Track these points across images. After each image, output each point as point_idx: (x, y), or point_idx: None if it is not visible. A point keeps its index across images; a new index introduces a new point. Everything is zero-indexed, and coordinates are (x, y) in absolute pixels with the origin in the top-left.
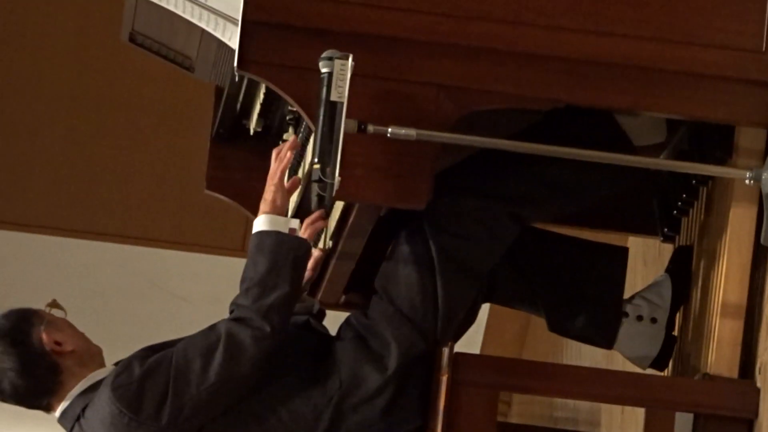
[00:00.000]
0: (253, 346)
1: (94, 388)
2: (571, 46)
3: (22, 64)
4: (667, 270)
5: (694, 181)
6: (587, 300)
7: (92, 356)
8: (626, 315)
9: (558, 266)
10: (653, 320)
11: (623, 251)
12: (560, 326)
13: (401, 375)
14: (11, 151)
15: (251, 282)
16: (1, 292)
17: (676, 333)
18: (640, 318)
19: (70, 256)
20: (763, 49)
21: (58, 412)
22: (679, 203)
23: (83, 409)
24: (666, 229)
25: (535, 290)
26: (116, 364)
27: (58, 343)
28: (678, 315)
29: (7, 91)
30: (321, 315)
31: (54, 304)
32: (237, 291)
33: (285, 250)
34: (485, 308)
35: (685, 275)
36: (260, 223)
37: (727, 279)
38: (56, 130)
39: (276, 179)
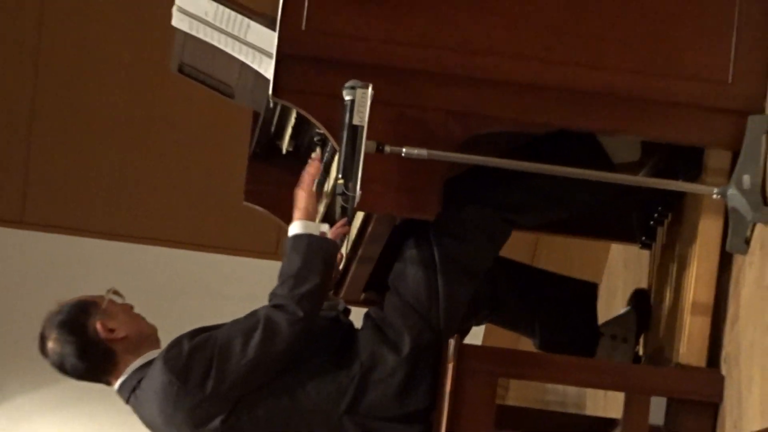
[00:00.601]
0: (288, 328)
1: (148, 365)
2: (562, 77)
3: (87, 88)
4: (631, 304)
5: (668, 196)
6: (572, 326)
7: (146, 337)
8: (602, 335)
9: (552, 299)
10: (624, 340)
11: (595, 286)
12: (549, 345)
13: (413, 359)
14: (76, 165)
15: (287, 276)
16: (63, 292)
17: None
18: (614, 337)
19: (126, 258)
20: (729, 80)
21: (116, 386)
22: (656, 215)
23: (139, 381)
24: (644, 237)
25: (532, 317)
26: None
27: (111, 330)
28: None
29: (72, 112)
30: (347, 312)
31: (114, 292)
32: (271, 283)
33: (316, 249)
34: None
35: (645, 311)
36: (295, 228)
37: (697, 281)
38: (116, 147)
39: (309, 191)
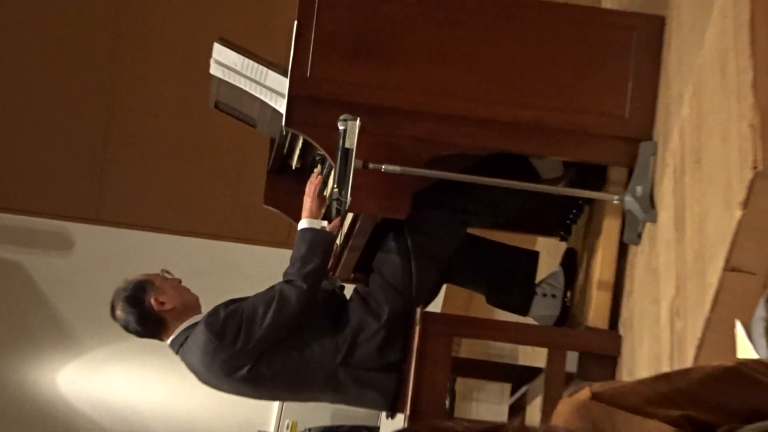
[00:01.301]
0: (296, 298)
1: (193, 326)
2: (501, 113)
3: (155, 113)
4: (561, 264)
5: (580, 201)
6: (513, 284)
7: (190, 306)
8: (535, 294)
9: (495, 263)
10: (553, 296)
11: (535, 254)
12: (494, 301)
13: (390, 324)
14: (142, 173)
15: (296, 258)
16: (128, 272)
17: (568, 303)
18: (545, 295)
19: (175, 247)
20: (626, 116)
21: (168, 341)
22: (571, 216)
23: (186, 339)
24: (562, 233)
25: (480, 277)
26: None
27: (162, 303)
28: (569, 292)
29: (141, 134)
30: (341, 288)
31: (165, 271)
32: (282, 267)
33: (318, 239)
34: (444, 286)
35: (572, 268)
36: (303, 224)
37: (602, 264)
38: (171, 159)
39: (312, 196)
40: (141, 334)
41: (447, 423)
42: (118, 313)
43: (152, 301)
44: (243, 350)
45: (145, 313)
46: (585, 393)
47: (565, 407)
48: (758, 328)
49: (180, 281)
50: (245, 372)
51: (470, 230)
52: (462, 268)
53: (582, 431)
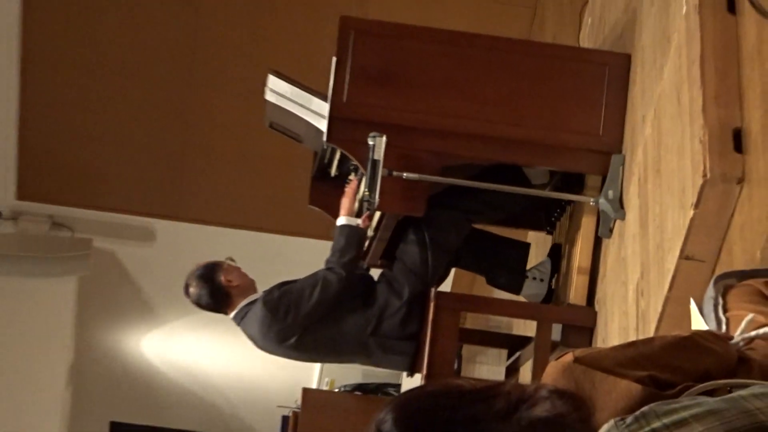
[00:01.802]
0: (336, 282)
1: (252, 303)
2: (499, 131)
3: (224, 134)
4: (549, 255)
5: (563, 203)
6: (509, 269)
7: (250, 286)
8: (527, 277)
9: (494, 251)
10: (541, 280)
11: (527, 245)
12: (493, 282)
13: (410, 303)
14: (215, 177)
15: (335, 249)
16: (199, 259)
17: (553, 287)
18: (534, 278)
19: (237, 238)
20: (600, 133)
21: (231, 315)
22: (556, 214)
23: (246, 313)
24: (549, 228)
25: (482, 263)
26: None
27: (229, 281)
28: (554, 278)
29: (215, 149)
30: (368, 270)
31: (230, 258)
32: (325, 255)
33: (354, 233)
34: (453, 271)
35: (557, 259)
36: (341, 221)
37: (581, 254)
38: (237, 169)
39: (349, 198)
40: (210, 307)
41: (456, 381)
42: (192, 289)
43: (222, 278)
44: (293, 323)
45: (216, 287)
46: (568, 357)
47: (551, 369)
48: (708, 306)
49: (240, 269)
50: (294, 341)
51: (474, 225)
52: (468, 255)
53: (566, 388)
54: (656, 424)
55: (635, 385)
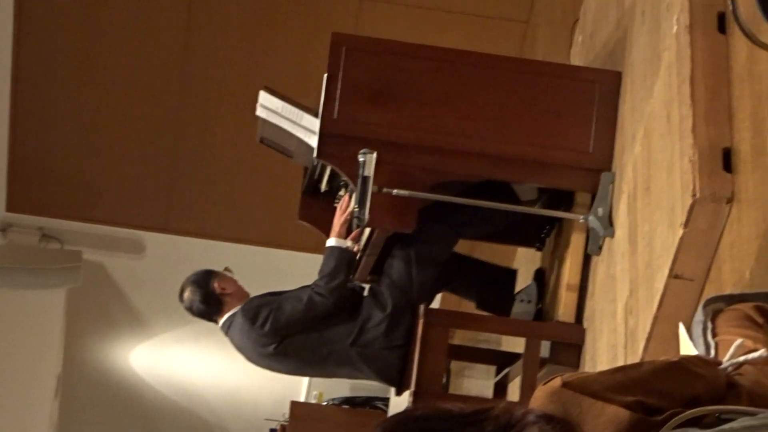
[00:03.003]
0: (321, 306)
1: (237, 312)
2: (489, 148)
3: (215, 150)
4: (534, 279)
5: (553, 219)
6: (497, 294)
7: (242, 296)
8: (515, 299)
9: (484, 279)
10: (529, 302)
11: (515, 271)
12: (482, 306)
13: (393, 315)
14: (205, 191)
15: (325, 273)
16: (189, 271)
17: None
18: (522, 300)
19: (228, 251)
20: (590, 151)
21: (219, 324)
22: (545, 231)
23: (232, 322)
24: (538, 245)
25: (472, 290)
26: None
27: (223, 288)
28: (540, 300)
29: (205, 162)
30: (361, 288)
31: (226, 268)
32: (314, 269)
33: (344, 256)
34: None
35: (542, 283)
36: (331, 242)
37: (570, 270)
38: (230, 181)
39: (339, 219)
40: (202, 314)
41: (445, 405)
42: (186, 294)
43: (216, 284)
44: (269, 332)
45: (209, 293)
46: (557, 381)
47: (540, 393)
48: (697, 330)
49: (236, 281)
50: (272, 349)
51: (465, 250)
52: (457, 281)
53: (554, 413)
54: None
55: (623, 410)
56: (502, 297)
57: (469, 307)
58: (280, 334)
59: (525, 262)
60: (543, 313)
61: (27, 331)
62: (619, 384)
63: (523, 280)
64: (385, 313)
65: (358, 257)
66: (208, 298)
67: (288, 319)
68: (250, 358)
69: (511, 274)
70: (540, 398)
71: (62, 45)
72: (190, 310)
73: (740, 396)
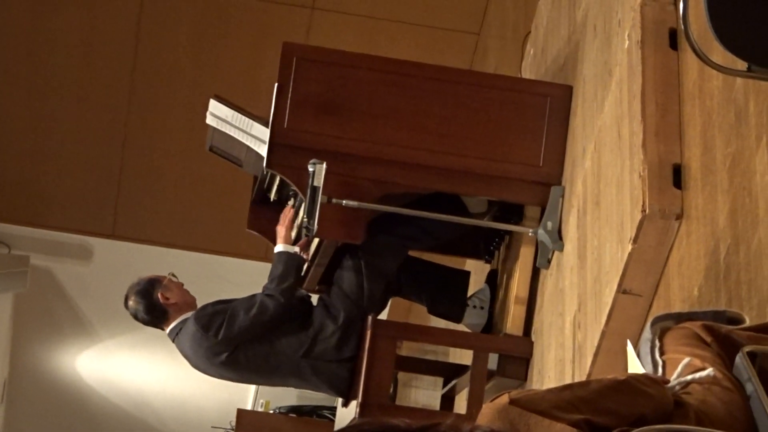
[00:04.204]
0: (273, 309)
1: (186, 319)
2: (439, 161)
3: (166, 149)
4: (486, 282)
5: (502, 232)
6: (450, 298)
7: (189, 304)
8: (467, 305)
9: (435, 281)
10: (482, 308)
11: (467, 273)
12: (434, 311)
13: (345, 326)
14: (154, 197)
15: (274, 276)
16: (122, 288)
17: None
18: (475, 306)
19: (175, 257)
20: (540, 164)
21: (167, 331)
22: (494, 243)
23: (180, 329)
24: (487, 257)
25: (423, 293)
26: None
27: (167, 298)
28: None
29: (153, 168)
30: (309, 296)
31: (172, 274)
32: (262, 277)
33: (292, 261)
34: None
35: (495, 285)
36: (279, 248)
37: (518, 284)
38: (178, 186)
39: (285, 226)
40: (147, 322)
41: (393, 420)
42: (130, 303)
43: (159, 295)
44: (223, 341)
45: (153, 304)
46: (504, 399)
47: (487, 410)
48: (645, 348)
49: (182, 285)
50: (224, 358)
51: (415, 254)
52: (408, 284)
53: (501, 431)
54: None
55: (570, 428)
56: (454, 301)
57: (419, 312)
58: (234, 342)
59: (474, 273)
60: (493, 321)
61: None
62: (567, 402)
63: (474, 288)
64: (337, 325)
65: (306, 266)
66: (151, 308)
67: (240, 326)
68: (198, 366)
69: (464, 277)
70: (487, 415)
71: (14, 52)
72: (135, 317)
73: (687, 415)
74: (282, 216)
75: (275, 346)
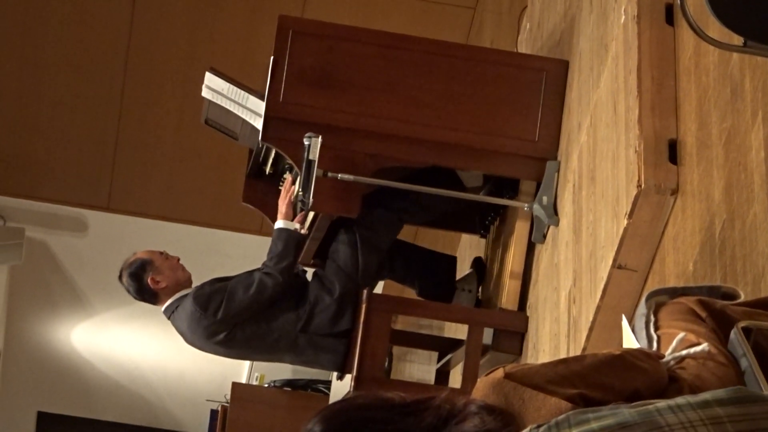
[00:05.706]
0: (272, 287)
1: (183, 297)
2: (435, 134)
3: (161, 125)
4: (472, 267)
5: (497, 207)
6: (439, 282)
7: (182, 282)
8: (456, 288)
9: (425, 266)
10: (470, 291)
11: (455, 258)
12: (424, 294)
13: (341, 300)
14: (147, 170)
15: (273, 254)
16: (130, 250)
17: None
18: (463, 290)
19: (170, 230)
20: (536, 139)
21: (162, 308)
22: (489, 218)
23: (176, 307)
24: (482, 231)
25: (413, 278)
26: None
27: (157, 282)
28: (479, 288)
29: (147, 142)
30: (304, 271)
31: (164, 253)
32: (257, 250)
33: (292, 238)
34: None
35: (481, 271)
36: (279, 224)
37: (513, 258)
38: (172, 159)
39: (286, 201)
40: (140, 300)
41: (386, 393)
42: (124, 280)
43: (149, 279)
44: (222, 320)
45: (143, 287)
46: (499, 373)
47: (481, 384)
48: (639, 323)
49: (178, 259)
50: (222, 337)
51: (406, 240)
52: (398, 269)
53: (496, 404)
54: None
55: (565, 402)
56: (443, 285)
57: (411, 294)
58: (233, 321)
59: (469, 248)
60: (483, 301)
61: None
62: (562, 376)
63: (465, 267)
64: (333, 298)
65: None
66: (142, 291)
67: (239, 304)
68: (194, 344)
69: (451, 262)
70: (482, 389)
71: (5, 24)
72: (128, 293)
73: (682, 390)
74: (283, 190)
75: (272, 323)
